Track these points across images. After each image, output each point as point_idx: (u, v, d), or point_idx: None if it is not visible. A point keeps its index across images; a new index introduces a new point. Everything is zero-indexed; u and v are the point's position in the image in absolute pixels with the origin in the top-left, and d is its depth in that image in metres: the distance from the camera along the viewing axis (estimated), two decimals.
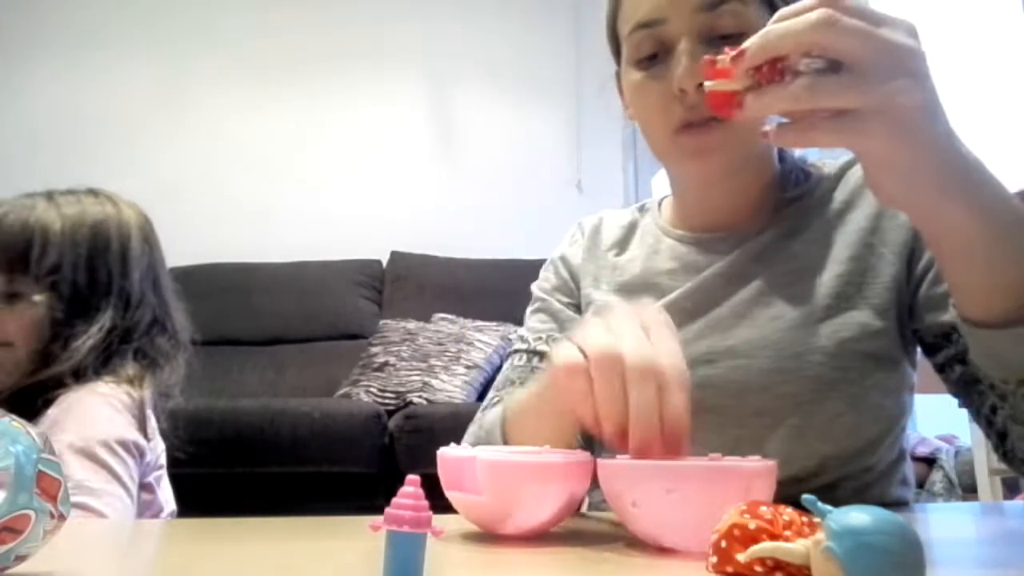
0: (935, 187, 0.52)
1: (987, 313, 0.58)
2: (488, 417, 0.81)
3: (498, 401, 0.87)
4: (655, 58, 0.76)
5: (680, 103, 0.74)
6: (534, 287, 0.96)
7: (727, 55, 0.52)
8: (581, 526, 0.65)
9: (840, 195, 0.81)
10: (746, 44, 0.50)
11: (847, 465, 0.75)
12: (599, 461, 0.56)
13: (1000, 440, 0.68)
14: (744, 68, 0.50)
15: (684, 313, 0.80)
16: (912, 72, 0.48)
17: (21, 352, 1.00)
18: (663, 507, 0.50)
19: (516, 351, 0.92)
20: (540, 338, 0.90)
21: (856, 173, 0.82)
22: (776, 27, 0.49)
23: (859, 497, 0.75)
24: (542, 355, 0.88)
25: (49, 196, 1.04)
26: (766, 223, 0.82)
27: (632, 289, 0.86)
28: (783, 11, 0.49)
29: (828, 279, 0.77)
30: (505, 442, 0.75)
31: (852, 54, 0.47)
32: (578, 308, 0.91)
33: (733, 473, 0.53)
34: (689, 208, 0.88)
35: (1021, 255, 0.55)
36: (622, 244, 0.92)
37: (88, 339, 1.00)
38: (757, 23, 0.72)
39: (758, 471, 0.53)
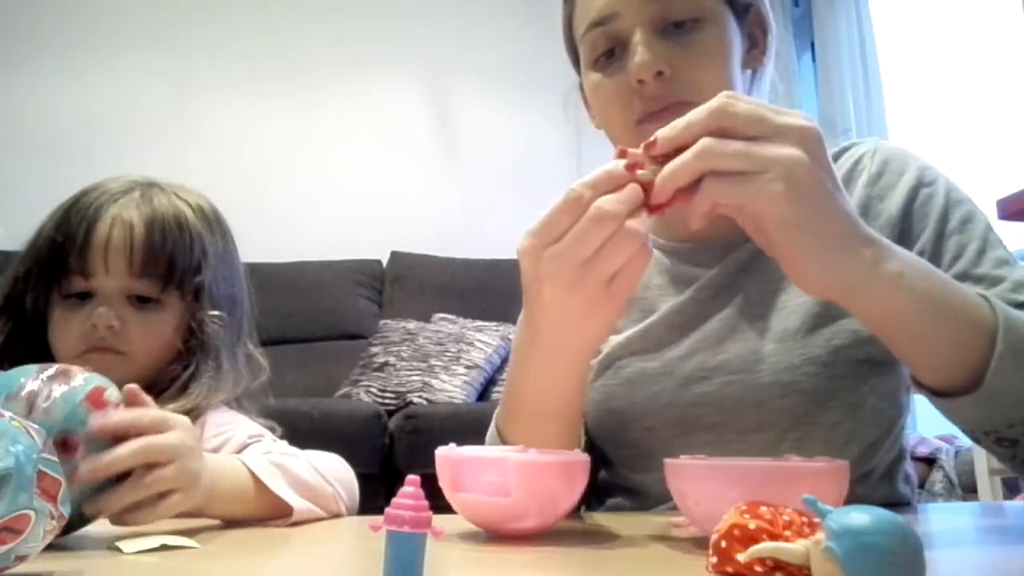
0: (846, 270, 0.53)
1: (938, 383, 0.60)
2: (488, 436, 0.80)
3: None
4: (612, 56, 0.75)
5: (639, 96, 0.72)
6: None
7: (639, 149, 0.54)
8: (581, 526, 0.65)
9: None
10: (655, 135, 0.53)
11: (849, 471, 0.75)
12: (666, 461, 0.57)
13: None
14: (654, 155, 0.53)
15: (673, 328, 0.79)
16: (804, 146, 0.50)
17: (136, 368, 0.85)
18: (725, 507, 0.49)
19: None
20: None
21: (837, 172, 0.81)
22: (679, 120, 0.52)
23: (862, 499, 0.75)
24: None
25: (149, 190, 0.90)
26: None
27: None
28: (688, 116, 0.52)
29: None
30: (499, 428, 0.74)
31: (748, 134, 0.50)
32: None
33: (795, 473, 0.53)
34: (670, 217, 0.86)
35: (953, 328, 0.57)
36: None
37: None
38: (711, 11, 0.73)
39: (822, 472, 0.53)
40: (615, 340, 0.81)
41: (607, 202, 0.53)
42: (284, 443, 0.86)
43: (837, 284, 0.55)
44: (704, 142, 0.50)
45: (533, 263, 0.57)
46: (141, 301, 0.86)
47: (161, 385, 0.85)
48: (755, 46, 0.80)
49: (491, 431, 0.77)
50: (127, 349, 0.85)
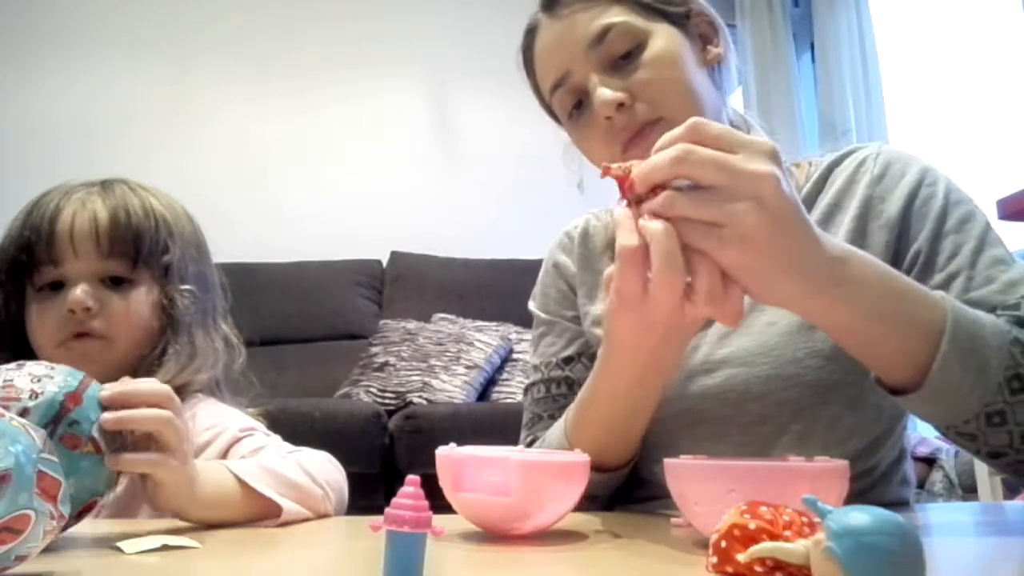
0: (796, 290, 0.55)
1: (892, 380, 0.62)
2: (550, 437, 0.81)
3: (533, 440, 0.87)
4: (580, 106, 0.80)
5: (612, 130, 0.76)
6: (535, 308, 0.95)
7: (621, 167, 0.56)
8: (581, 526, 0.65)
9: (827, 197, 0.81)
10: (633, 174, 0.55)
11: (849, 468, 0.75)
12: (666, 461, 0.57)
13: None
14: (634, 197, 0.55)
15: None
16: (757, 195, 0.51)
17: (118, 351, 0.86)
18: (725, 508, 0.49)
19: (533, 384, 0.91)
20: (550, 363, 0.89)
21: (842, 174, 0.82)
22: (647, 162, 0.54)
23: (861, 498, 0.75)
24: (559, 381, 0.88)
25: (111, 183, 0.91)
26: None
27: None
28: (663, 139, 0.54)
29: None
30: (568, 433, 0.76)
31: (705, 180, 0.52)
32: (578, 321, 0.90)
33: (795, 473, 0.53)
34: None
35: (900, 334, 0.59)
36: (614, 248, 0.91)
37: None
38: (647, 33, 0.76)
39: (822, 472, 0.53)
40: None
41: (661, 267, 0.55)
42: (277, 437, 0.86)
43: (785, 304, 0.59)
44: (667, 194, 0.53)
45: (634, 320, 0.61)
46: (115, 283, 0.86)
47: (141, 370, 0.86)
48: (708, 43, 0.82)
49: (558, 435, 0.78)
50: (108, 332, 0.85)
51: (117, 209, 0.87)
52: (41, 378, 0.57)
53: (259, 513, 0.70)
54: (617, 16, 0.76)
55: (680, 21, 0.79)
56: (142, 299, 0.88)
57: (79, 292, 0.84)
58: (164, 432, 0.62)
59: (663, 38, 0.77)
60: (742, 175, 0.51)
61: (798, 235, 0.54)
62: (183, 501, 0.65)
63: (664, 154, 0.52)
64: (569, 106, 0.81)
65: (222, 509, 0.69)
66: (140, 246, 0.87)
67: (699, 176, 0.52)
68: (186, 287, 0.90)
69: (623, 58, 0.76)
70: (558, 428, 0.78)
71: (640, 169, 0.54)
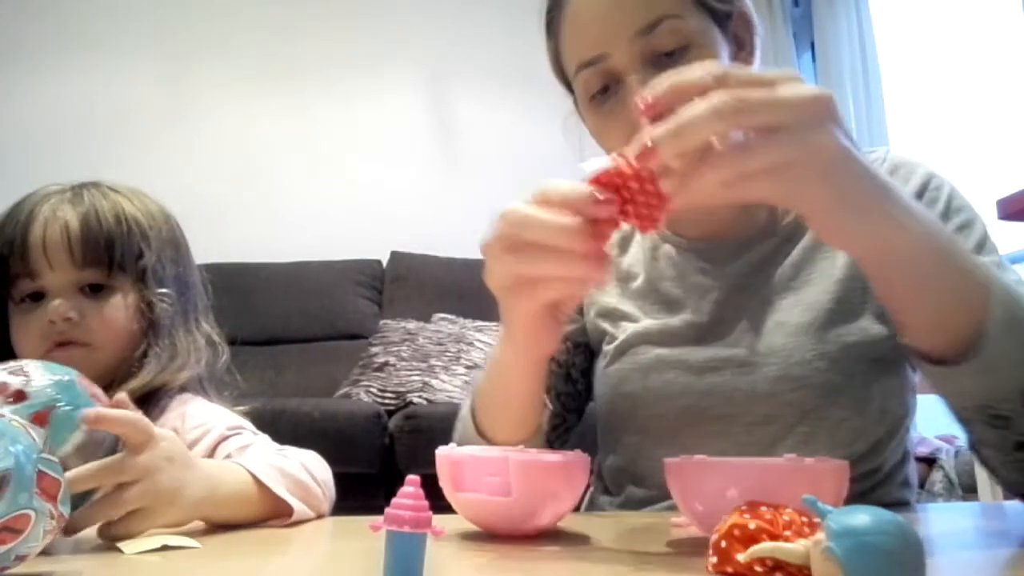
0: (878, 215, 0.52)
1: (939, 348, 0.58)
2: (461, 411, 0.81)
3: None
4: (607, 92, 0.75)
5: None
6: None
7: (622, 160, 0.49)
8: (581, 526, 0.65)
9: None
10: (650, 140, 0.46)
11: (853, 469, 0.75)
12: (666, 460, 0.57)
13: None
14: (659, 166, 0.47)
15: (692, 327, 0.80)
16: (826, 119, 0.48)
17: (102, 357, 0.87)
18: (725, 507, 0.47)
19: None
20: None
21: None
22: (682, 122, 0.46)
23: (863, 499, 0.75)
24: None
25: (82, 188, 0.91)
26: (763, 230, 0.81)
27: (637, 295, 0.85)
28: (674, 81, 0.47)
29: (830, 285, 0.77)
30: (476, 419, 0.76)
31: (768, 124, 0.46)
32: (580, 311, 0.90)
33: (795, 473, 0.53)
34: (680, 215, 0.87)
35: (958, 285, 0.56)
36: (622, 245, 0.91)
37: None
38: (696, 34, 0.73)
39: (822, 471, 0.53)
40: (632, 328, 0.82)
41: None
42: (265, 436, 0.86)
43: (863, 244, 0.54)
44: (740, 145, 0.46)
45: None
46: (93, 291, 0.87)
47: (121, 372, 0.86)
48: (742, 48, 0.80)
49: (464, 415, 0.79)
50: (90, 340, 0.86)
51: (88, 217, 0.87)
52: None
53: (270, 512, 0.70)
54: (670, 6, 0.72)
55: (722, 21, 0.76)
56: (120, 305, 0.88)
57: (58, 303, 0.84)
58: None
59: (709, 42, 0.73)
60: (803, 105, 0.46)
61: (860, 155, 0.50)
62: (207, 509, 0.65)
63: (702, 109, 0.45)
64: (595, 89, 0.75)
65: (240, 507, 0.69)
66: (113, 252, 0.88)
67: (756, 122, 0.46)
68: (164, 291, 0.91)
69: (666, 55, 0.72)
70: (465, 408, 0.79)
71: (672, 135, 0.46)
